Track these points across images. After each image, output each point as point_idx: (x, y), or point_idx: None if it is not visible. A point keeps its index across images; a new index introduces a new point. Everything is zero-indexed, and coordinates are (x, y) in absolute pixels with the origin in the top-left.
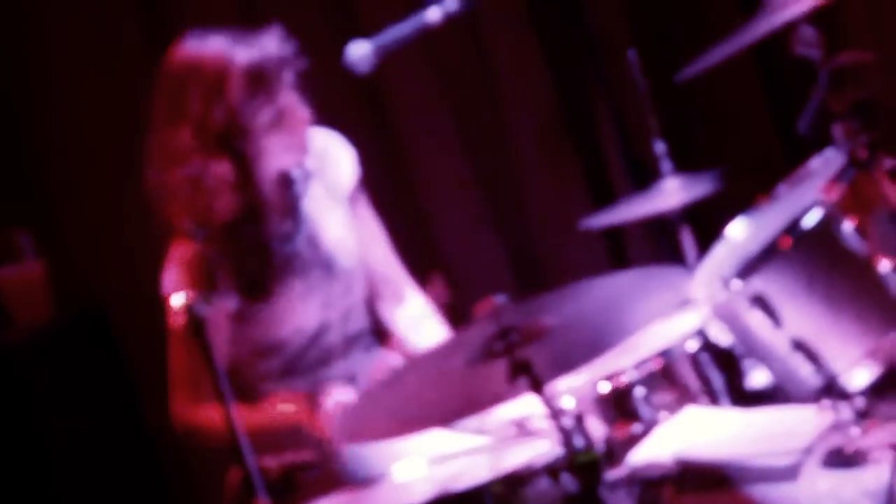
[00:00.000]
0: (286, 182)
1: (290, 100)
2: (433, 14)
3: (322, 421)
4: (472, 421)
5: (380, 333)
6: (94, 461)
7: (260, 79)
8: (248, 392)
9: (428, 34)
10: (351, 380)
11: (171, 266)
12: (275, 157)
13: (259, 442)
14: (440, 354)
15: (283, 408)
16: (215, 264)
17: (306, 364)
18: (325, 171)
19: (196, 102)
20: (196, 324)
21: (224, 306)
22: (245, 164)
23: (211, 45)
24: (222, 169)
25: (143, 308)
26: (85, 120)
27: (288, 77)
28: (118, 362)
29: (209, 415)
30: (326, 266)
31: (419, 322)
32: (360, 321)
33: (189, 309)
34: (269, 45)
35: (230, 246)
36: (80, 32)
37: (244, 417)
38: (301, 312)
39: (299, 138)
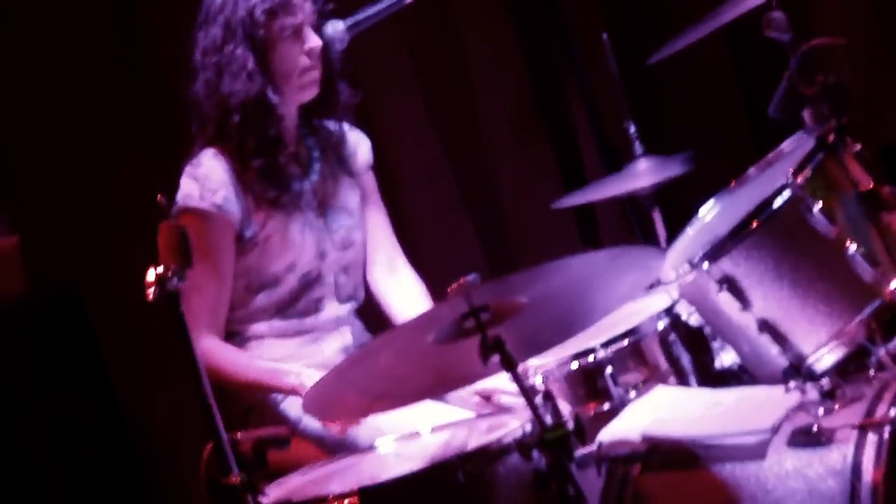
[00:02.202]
0: (303, 132)
1: (307, 24)
2: None
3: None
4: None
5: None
6: (65, 439)
7: None
8: (239, 337)
9: (401, 15)
10: (339, 330)
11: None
12: (291, 66)
13: (250, 391)
14: (412, 332)
15: (289, 374)
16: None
17: (297, 312)
18: (344, 150)
19: (228, 7)
20: (169, 297)
21: (228, 220)
22: (263, 59)
23: None
24: (242, 55)
25: (117, 288)
26: (59, 101)
27: (310, 6)
28: (91, 341)
29: (223, 353)
30: (326, 216)
31: (409, 296)
32: (354, 287)
33: (162, 282)
34: None
35: (245, 138)
36: (48, 20)
37: (247, 368)
38: (295, 248)
39: (311, 61)
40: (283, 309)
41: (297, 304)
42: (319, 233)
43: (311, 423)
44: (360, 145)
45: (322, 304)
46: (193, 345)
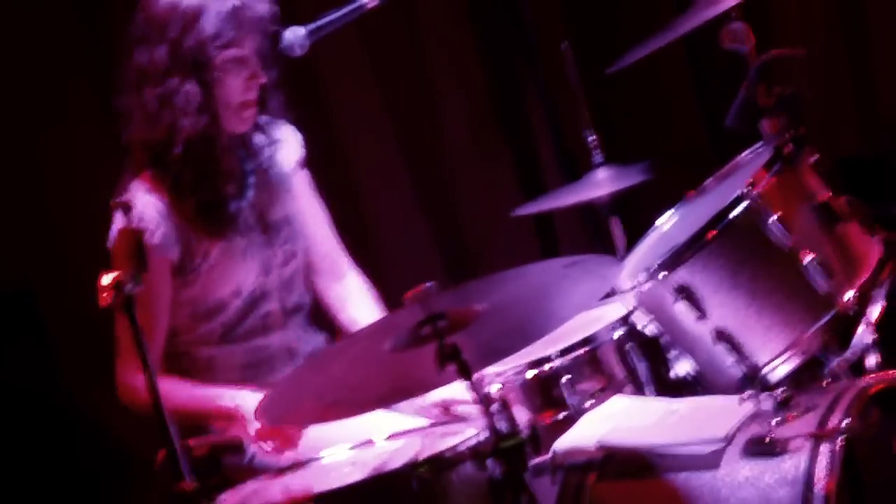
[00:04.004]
0: (237, 150)
1: (254, 55)
2: (369, 0)
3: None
4: (403, 404)
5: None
6: (19, 442)
7: (232, 21)
8: (187, 358)
9: (363, 21)
10: (289, 352)
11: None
12: (234, 98)
13: (188, 421)
14: (368, 338)
15: (223, 397)
16: (167, 196)
17: (244, 331)
18: (274, 152)
19: (174, 29)
20: (125, 302)
21: (165, 259)
22: (209, 92)
23: None
24: (190, 90)
25: (72, 289)
26: (16, 100)
27: (258, 35)
28: (45, 341)
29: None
30: (267, 232)
31: (356, 299)
32: (299, 295)
33: (118, 287)
34: (251, 1)
35: (184, 171)
36: (8, 35)
37: (181, 395)
38: (239, 273)
39: (254, 93)
40: (231, 329)
41: (245, 322)
42: (262, 250)
43: (264, 456)
44: (289, 141)
45: (269, 319)
46: (147, 349)
